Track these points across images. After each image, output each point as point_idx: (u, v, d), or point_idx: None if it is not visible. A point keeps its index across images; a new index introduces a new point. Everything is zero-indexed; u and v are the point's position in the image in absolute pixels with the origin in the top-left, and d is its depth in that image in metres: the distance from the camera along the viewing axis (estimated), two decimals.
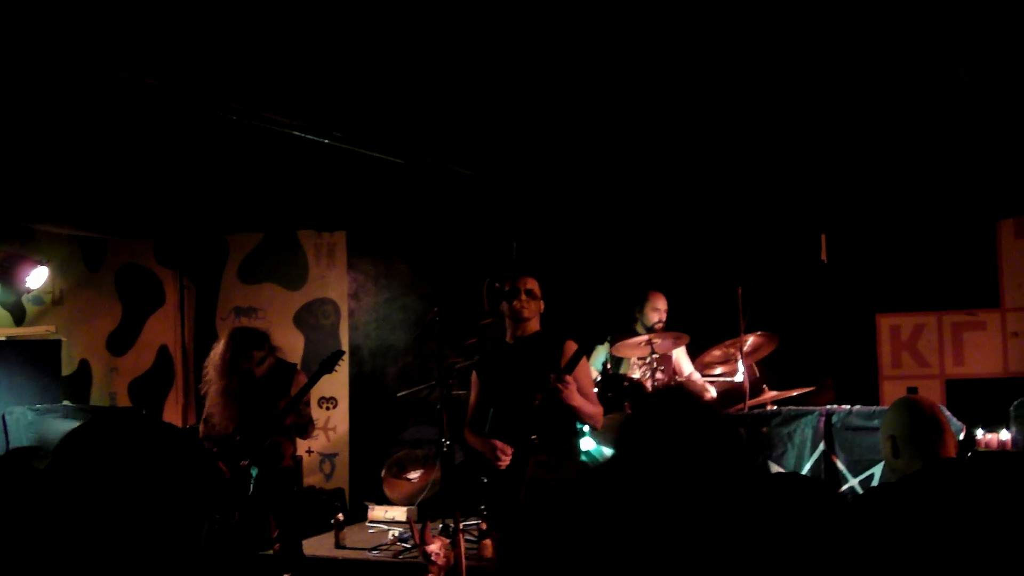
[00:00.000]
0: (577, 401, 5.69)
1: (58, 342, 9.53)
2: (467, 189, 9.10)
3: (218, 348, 6.99)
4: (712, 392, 8.53)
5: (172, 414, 10.56)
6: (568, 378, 5.60)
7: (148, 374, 10.67)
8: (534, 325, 6.07)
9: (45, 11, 5.16)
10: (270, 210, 10.07)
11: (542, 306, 6.12)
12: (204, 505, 2.03)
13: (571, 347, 5.91)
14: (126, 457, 1.97)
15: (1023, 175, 8.52)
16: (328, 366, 6.92)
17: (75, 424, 4.50)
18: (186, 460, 2.01)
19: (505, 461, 5.70)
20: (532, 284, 6.04)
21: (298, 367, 7.49)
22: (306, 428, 7.05)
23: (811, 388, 8.10)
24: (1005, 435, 6.54)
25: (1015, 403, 4.04)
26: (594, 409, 5.87)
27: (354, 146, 7.68)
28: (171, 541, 1.96)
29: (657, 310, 8.51)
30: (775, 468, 6.35)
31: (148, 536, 1.94)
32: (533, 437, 5.62)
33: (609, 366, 8.44)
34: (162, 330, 10.76)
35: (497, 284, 6.12)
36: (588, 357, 6.49)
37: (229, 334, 7.03)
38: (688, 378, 8.68)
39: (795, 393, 8.00)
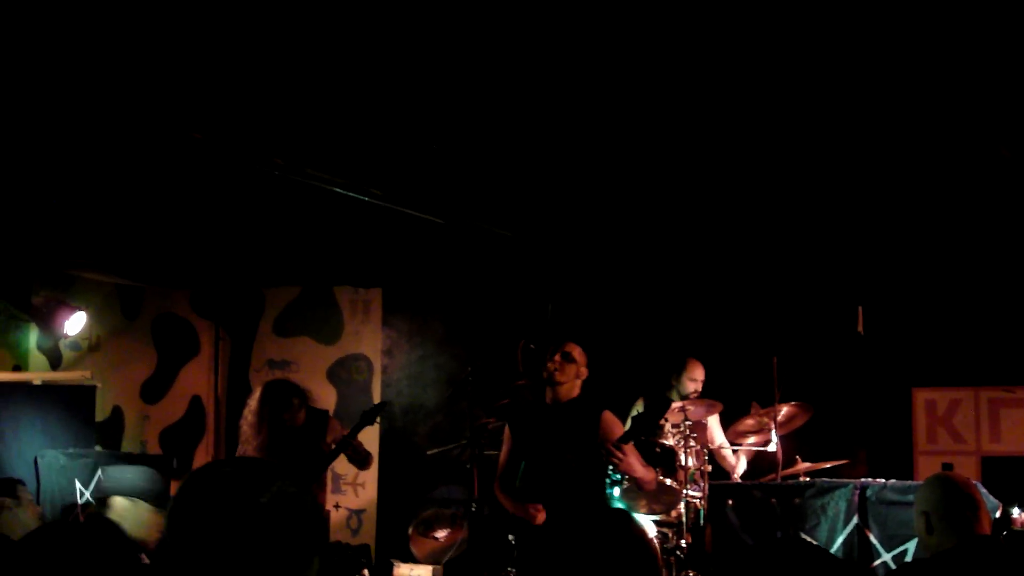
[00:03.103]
0: (638, 472, 5.74)
1: (93, 388, 9.56)
2: (504, 250, 9.13)
3: (252, 403, 6.97)
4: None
5: (202, 464, 10.57)
6: (624, 448, 5.62)
7: (180, 423, 10.71)
8: (573, 391, 6.05)
9: (91, 63, 5.24)
10: (308, 265, 10.13)
11: (583, 373, 6.10)
12: None
13: (609, 418, 5.93)
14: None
15: None
16: (370, 417, 6.90)
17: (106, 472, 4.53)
18: None
19: (540, 517, 5.68)
20: (573, 348, 6.03)
21: (330, 413, 7.49)
22: (366, 460, 7.03)
23: (845, 461, 8.02)
24: None
25: None
26: (649, 474, 5.92)
27: (393, 204, 7.73)
28: None
29: (694, 380, 8.47)
30: (808, 540, 6.28)
31: None
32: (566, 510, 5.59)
33: None
34: (196, 380, 10.80)
35: (532, 346, 6.13)
36: (622, 420, 6.51)
37: (263, 388, 7.01)
38: (718, 449, 8.62)
39: (828, 465, 7.92)
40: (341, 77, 5.56)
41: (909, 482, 6.51)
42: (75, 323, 9.02)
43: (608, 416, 5.95)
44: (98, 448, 9.43)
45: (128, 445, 10.45)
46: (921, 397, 9.26)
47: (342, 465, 8.09)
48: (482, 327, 9.70)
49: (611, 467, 5.74)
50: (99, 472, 7.95)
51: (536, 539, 5.76)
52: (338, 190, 7.24)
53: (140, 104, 5.68)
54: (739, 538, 6.55)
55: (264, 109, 5.97)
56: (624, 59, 5.46)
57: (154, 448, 10.57)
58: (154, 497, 4.17)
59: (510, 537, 6.05)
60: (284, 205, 7.94)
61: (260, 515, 1.95)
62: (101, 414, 10.18)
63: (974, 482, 3.74)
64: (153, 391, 10.68)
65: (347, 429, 7.05)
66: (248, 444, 6.86)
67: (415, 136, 6.58)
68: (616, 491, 7.59)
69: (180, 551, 1.96)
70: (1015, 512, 6.52)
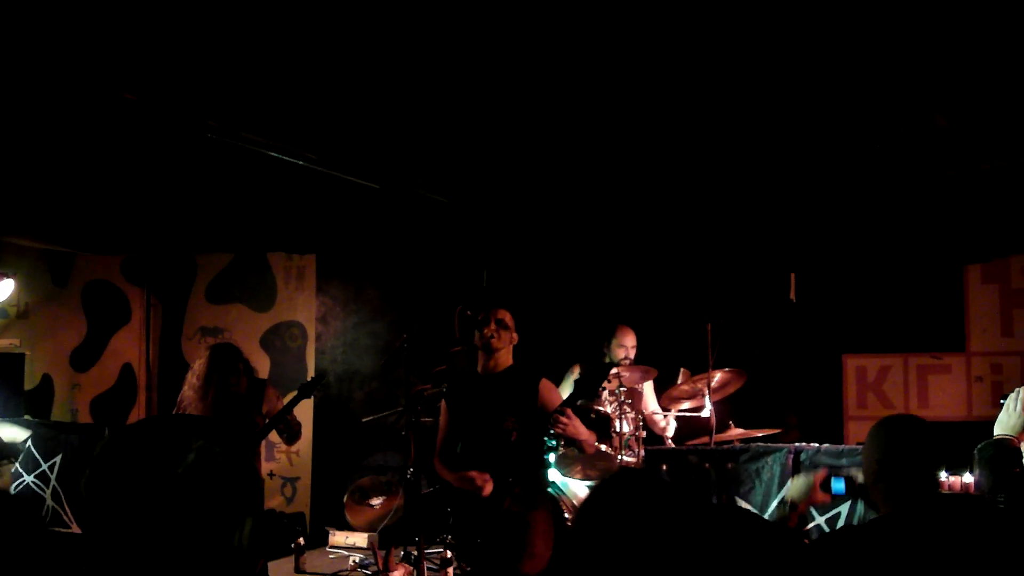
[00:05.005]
0: (583, 435, 5.77)
1: (21, 356, 9.43)
2: (439, 217, 9.10)
3: (198, 368, 6.87)
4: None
5: None
6: (568, 412, 5.64)
7: (111, 391, 10.56)
8: (506, 358, 6.05)
9: (21, 23, 5.13)
10: (241, 231, 10.03)
11: (515, 339, 6.10)
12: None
13: (546, 385, 5.93)
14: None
15: (991, 221, 8.61)
16: (308, 391, 6.85)
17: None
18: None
19: (488, 488, 5.66)
20: (505, 315, 6.02)
21: (267, 381, 7.44)
22: (297, 435, 7.00)
23: (778, 430, 8.11)
24: (968, 478, 6.58)
25: (979, 445, 4.06)
26: (592, 436, 5.97)
27: (329, 169, 7.66)
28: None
29: (623, 346, 8.50)
30: (742, 504, 6.35)
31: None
32: (510, 479, 5.60)
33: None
34: (127, 348, 10.66)
35: (469, 312, 6.10)
36: (557, 387, 6.53)
37: (210, 351, 6.91)
38: (650, 415, 8.67)
39: (761, 433, 8.01)
40: (277, 39, 5.49)
41: (842, 446, 6.60)
42: (3, 290, 8.88)
43: (545, 384, 5.95)
44: (27, 417, 9.30)
45: (58, 413, 10.31)
46: (852, 363, 9.40)
47: (274, 433, 8.05)
48: (418, 294, 9.66)
49: (557, 433, 5.74)
50: None
51: (474, 512, 5.76)
52: (273, 154, 7.16)
53: (71, 64, 5.57)
54: None
55: (199, 71, 5.88)
56: (554, 25, 5.45)
57: (85, 417, 10.43)
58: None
59: (448, 508, 6.04)
60: (218, 169, 7.84)
61: (184, 475, 1.91)
62: (30, 382, 10.04)
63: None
64: (83, 359, 10.52)
65: (282, 398, 7.00)
66: (192, 407, 6.76)
67: (351, 100, 6.52)
68: (552, 458, 7.63)
69: (102, 516, 1.91)
70: (943, 476, 6.64)
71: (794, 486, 3.99)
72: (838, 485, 4.04)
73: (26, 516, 2.31)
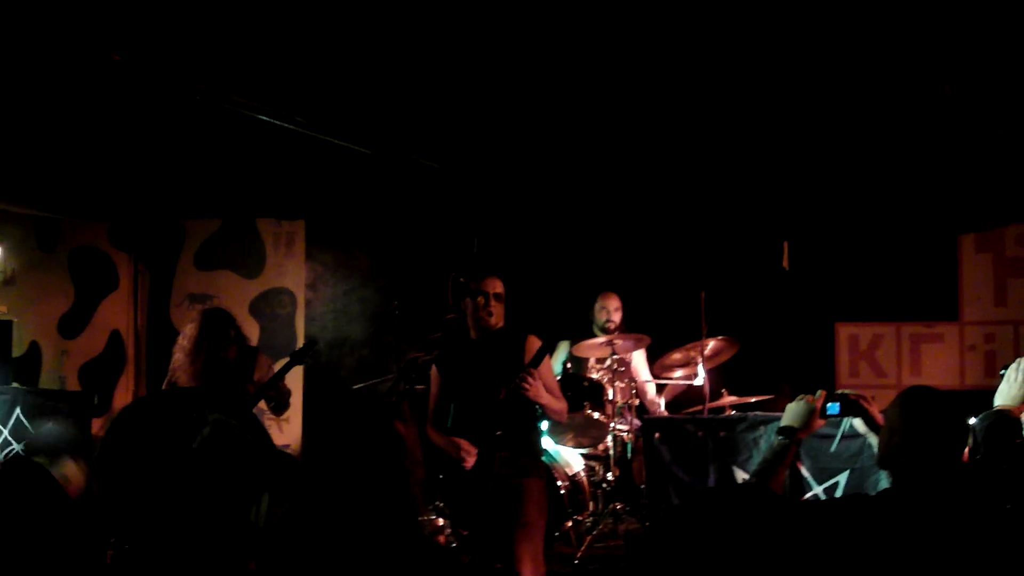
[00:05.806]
0: (544, 399, 5.70)
1: (9, 323, 9.33)
2: (431, 183, 9.03)
3: (189, 331, 6.77)
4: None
5: (123, 399, 10.39)
6: (533, 372, 5.59)
7: (99, 358, 10.49)
8: (498, 322, 6.02)
9: None
10: (229, 197, 9.93)
11: None
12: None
13: (534, 342, 5.88)
14: None
15: (986, 190, 8.57)
16: (300, 357, 6.77)
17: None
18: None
19: (470, 461, 5.65)
20: (500, 287, 5.98)
21: (259, 349, 7.36)
22: (286, 405, 6.92)
23: (770, 396, 8.07)
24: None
25: (979, 415, 4.01)
26: (559, 404, 5.88)
27: (320, 133, 7.58)
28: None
29: (606, 309, 8.47)
30: (740, 474, 6.30)
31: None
32: (498, 432, 5.59)
33: (570, 365, 8.39)
34: (115, 314, 10.58)
35: (462, 279, 6.04)
36: (551, 354, 6.49)
37: (201, 315, 6.81)
38: (642, 384, 8.63)
39: (753, 400, 7.98)
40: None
41: (839, 416, 6.56)
42: None
43: (532, 340, 5.91)
44: (15, 384, 9.22)
45: (46, 381, 10.23)
46: (844, 332, 9.38)
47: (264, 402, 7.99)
48: (408, 261, 9.61)
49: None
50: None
51: (467, 477, 5.72)
52: (262, 118, 7.08)
53: (58, 24, 5.47)
54: (670, 471, 6.55)
55: (187, 33, 5.79)
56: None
57: (73, 384, 10.36)
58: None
59: (439, 474, 6.01)
60: (206, 133, 7.75)
61: (199, 449, 1.84)
62: (18, 349, 9.96)
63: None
64: (71, 326, 10.44)
65: (274, 365, 6.93)
66: (182, 371, 6.67)
67: (344, 63, 6.44)
68: (544, 425, 7.59)
69: (114, 494, 1.84)
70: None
71: (793, 412, 3.91)
72: (833, 408, 4.02)
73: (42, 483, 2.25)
